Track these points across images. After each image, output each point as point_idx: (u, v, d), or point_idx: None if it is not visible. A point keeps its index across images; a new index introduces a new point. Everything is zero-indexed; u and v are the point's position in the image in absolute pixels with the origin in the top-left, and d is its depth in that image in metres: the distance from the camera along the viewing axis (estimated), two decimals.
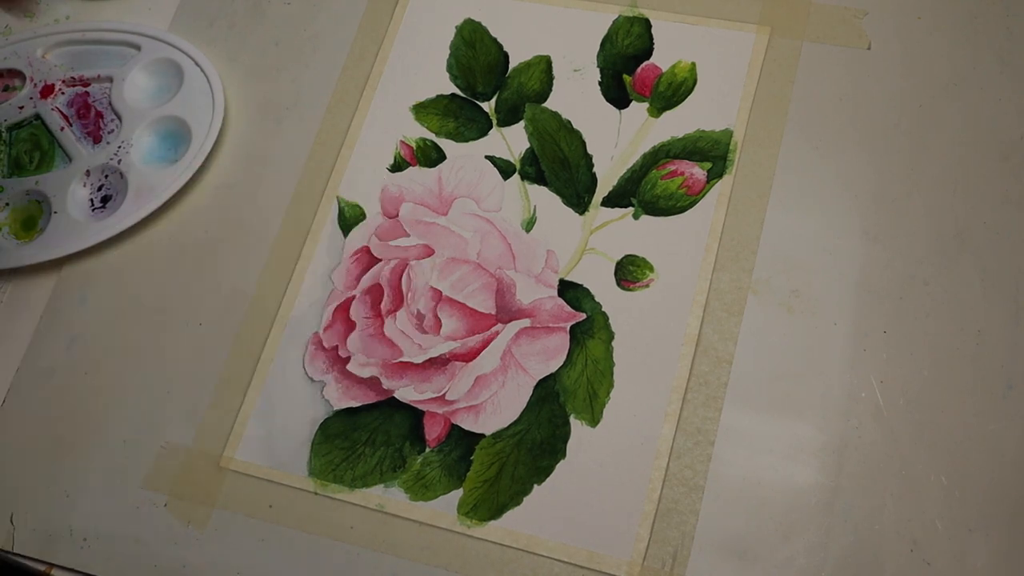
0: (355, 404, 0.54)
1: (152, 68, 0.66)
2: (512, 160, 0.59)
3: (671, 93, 0.59)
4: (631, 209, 0.56)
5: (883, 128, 0.56)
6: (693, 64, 0.59)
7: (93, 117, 0.65)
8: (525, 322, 0.55)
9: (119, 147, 0.63)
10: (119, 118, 0.65)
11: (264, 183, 0.61)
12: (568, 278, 0.55)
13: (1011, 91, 0.55)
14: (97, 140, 0.65)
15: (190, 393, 0.56)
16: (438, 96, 0.62)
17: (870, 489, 0.48)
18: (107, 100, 0.66)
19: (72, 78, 0.67)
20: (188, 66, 0.65)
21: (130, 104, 0.65)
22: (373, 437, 0.53)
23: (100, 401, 0.57)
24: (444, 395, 0.54)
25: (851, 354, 0.51)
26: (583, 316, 0.54)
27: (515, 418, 0.53)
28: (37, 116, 0.66)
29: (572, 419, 0.52)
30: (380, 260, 0.58)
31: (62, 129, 0.65)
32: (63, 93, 0.67)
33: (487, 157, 0.59)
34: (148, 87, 0.66)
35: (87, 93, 0.66)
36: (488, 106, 0.61)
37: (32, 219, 0.63)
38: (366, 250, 0.58)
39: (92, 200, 0.63)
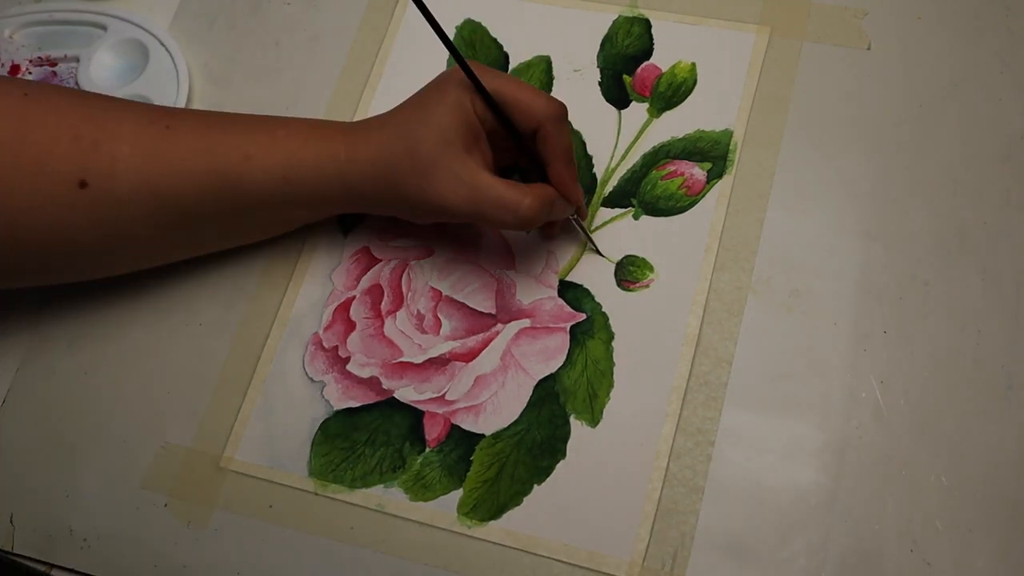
0: (355, 404, 0.54)
1: (118, 48, 0.66)
2: None
3: (671, 93, 0.59)
4: (631, 209, 0.56)
5: (883, 128, 0.56)
6: (693, 64, 0.59)
7: None
8: (525, 322, 0.55)
9: None
10: None
11: None
12: (568, 278, 0.55)
13: (1011, 91, 0.55)
14: None
15: (190, 393, 0.56)
16: None
17: (870, 489, 0.48)
18: (74, 80, 0.66)
19: (39, 58, 0.67)
20: (153, 46, 0.65)
21: (96, 83, 0.65)
22: (373, 437, 0.53)
23: (100, 401, 0.57)
24: (444, 395, 0.54)
25: (851, 354, 0.51)
26: (583, 316, 0.54)
27: (515, 418, 0.52)
28: None
29: (572, 419, 0.52)
30: (380, 260, 0.58)
31: None
32: (30, 73, 0.67)
33: None
34: (114, 66, 0.66)
35: (54, 73, 0.67)
36: None
37: None
38: (366, 250, 0.58)
39: None
